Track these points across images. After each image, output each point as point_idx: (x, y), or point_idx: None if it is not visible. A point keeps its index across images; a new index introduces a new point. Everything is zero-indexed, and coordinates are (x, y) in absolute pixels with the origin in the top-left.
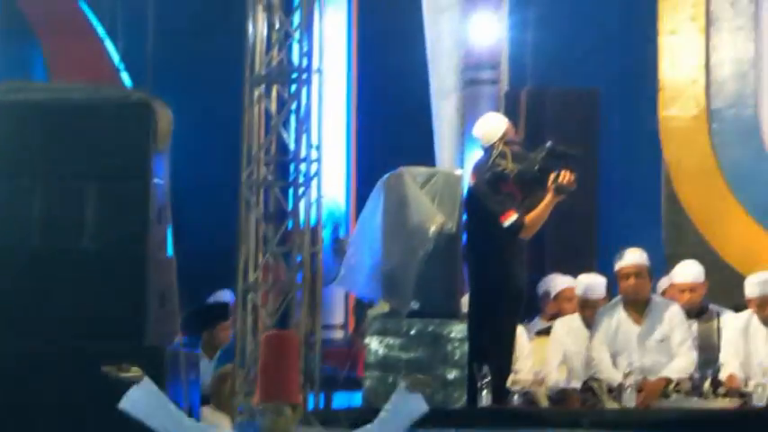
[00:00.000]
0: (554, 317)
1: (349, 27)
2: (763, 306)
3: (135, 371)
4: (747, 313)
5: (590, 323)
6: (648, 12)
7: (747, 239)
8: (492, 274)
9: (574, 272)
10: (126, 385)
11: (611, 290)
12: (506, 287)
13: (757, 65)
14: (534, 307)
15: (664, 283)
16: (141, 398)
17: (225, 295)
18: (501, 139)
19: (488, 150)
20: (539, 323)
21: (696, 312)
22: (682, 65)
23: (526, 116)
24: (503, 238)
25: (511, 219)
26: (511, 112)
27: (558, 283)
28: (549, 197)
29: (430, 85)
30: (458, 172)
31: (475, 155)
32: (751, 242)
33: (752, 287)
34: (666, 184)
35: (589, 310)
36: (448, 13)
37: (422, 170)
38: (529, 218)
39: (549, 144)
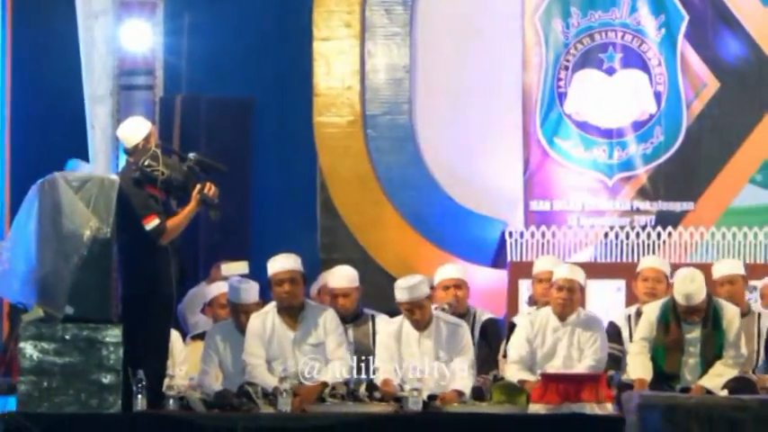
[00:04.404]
0: (215, 321)
1: (3, 32)
2: (412, 310)
3: None
4: (400, 318)
5: (244, 329)
6: (304, 19)
7: (403, 244)
8: (140, 277)
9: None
10: None
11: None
12: (155, 291)
13: (412, 72)
14: None
15: (315, 287)
16: None
17: None
18: (145, 140)
19: (132, 152)
20: None
21: (351, 317)
22: (336, 71)
23: (181, 122)
24: (149, 242)
25: (153, 222)
26: (165, 119)
27: (212, 289)
28: (191, 206)
29: (84, 91)
30: (112, 177)
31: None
32: (406, 247)
33: (401, 291)
34: (322, 190)
35: (243, 316)
36: (101, 18)
37: (76, 175)
38: (170, 223)
39: (195, 155)
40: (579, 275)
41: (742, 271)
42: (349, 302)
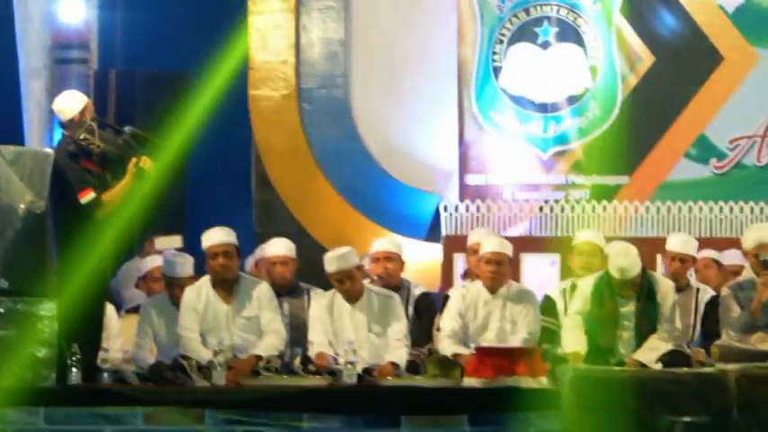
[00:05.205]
0: (149, 295)
1: None
2: (342, 280)
3: None
4: (332, 291)
5: (178, 302)
6: None
7: (338, 218)
8: (75, 251)
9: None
10: None
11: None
12: (90, 265)
13: (347, 46)
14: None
15: (251, 261)
16: None
17: None
18: (81, 114)
19: (67, 126)
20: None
21: (287, 290)
22: (271, 45)
23: (116, 96)
24: (84, 216)
25: (88, 196)
26: (100, 92)
27: (146, 262)
28: (127, 179)
29: (19, 64)
30: (47, 150)
31: None
32: (341, 221)
33: (330, 262)
34: (257, 164)
35: (177, 289)
36: None
37: (10, 149)
38: (106, 196)
39: (130, 129)
40: (506, 248)
41: (694, 252)
42: (287, 271)
